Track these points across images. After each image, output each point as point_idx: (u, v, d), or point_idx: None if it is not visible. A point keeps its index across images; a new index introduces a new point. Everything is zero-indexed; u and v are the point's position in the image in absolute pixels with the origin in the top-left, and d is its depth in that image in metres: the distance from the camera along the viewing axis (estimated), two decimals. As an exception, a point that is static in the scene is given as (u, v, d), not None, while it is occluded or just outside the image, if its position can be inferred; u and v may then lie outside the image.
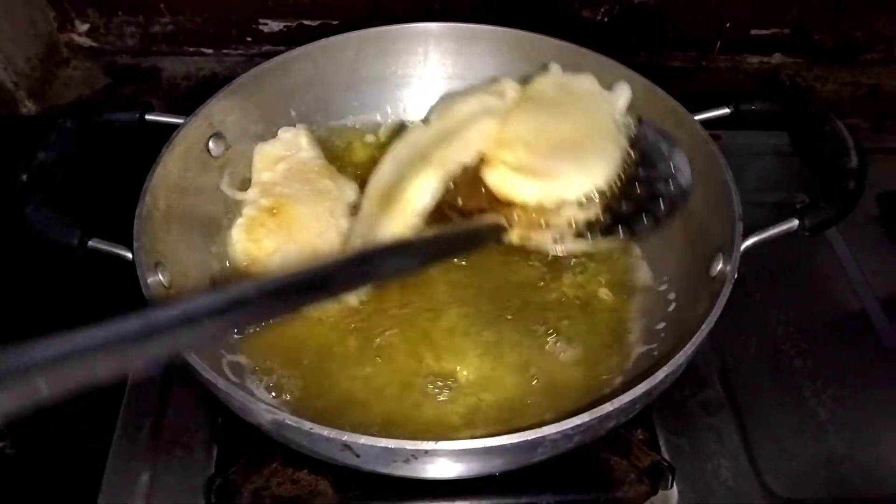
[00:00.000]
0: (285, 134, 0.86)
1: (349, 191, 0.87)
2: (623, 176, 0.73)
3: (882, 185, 1.03)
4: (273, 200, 0.83)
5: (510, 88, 0.79)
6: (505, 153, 0.72)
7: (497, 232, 0.70)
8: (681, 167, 0.74)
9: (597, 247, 0.73)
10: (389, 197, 0.74)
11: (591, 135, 0.74)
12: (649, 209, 0.72)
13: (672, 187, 0.72)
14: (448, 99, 0.83)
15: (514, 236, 0.71)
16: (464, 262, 0.84)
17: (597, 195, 0.71)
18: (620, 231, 0.71)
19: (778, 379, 0.86)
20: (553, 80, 0.82)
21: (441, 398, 0.74)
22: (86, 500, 0.76)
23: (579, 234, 0.71)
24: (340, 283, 0.53)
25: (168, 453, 0.79)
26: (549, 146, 0.73)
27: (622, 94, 0.79)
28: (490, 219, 0.71)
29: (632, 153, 0.75)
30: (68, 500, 0.77)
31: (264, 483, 0.75)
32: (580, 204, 0.71)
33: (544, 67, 0.85)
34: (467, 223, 0.71)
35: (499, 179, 0.72)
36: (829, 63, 1.35)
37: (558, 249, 0.71)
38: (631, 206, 0.72)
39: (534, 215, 0.70)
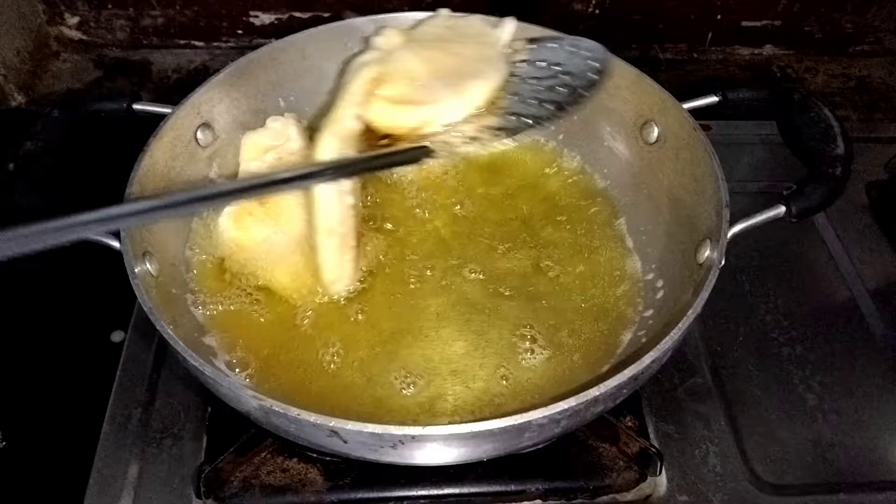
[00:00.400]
0: (274, 123, 0.85)
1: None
2: (510, 92, 0.76)
3: (871, 175, 1.04)
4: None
5: (392, 35, 0.82)
6: (384, 88, 0.76)
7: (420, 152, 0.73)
8: (591, 49, 0.78)
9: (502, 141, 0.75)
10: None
11: (470, 63, 0.78)
12: (553, 99, 0.75)
13: (580, 76, 0.76)
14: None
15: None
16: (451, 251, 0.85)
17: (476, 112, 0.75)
18: (522, 123, 0.74)
19: (766, 366, 0.87)
20: (440, 21, 0.86)
21: (406, 392, 0.74)
22: (75, 490, 0.76)
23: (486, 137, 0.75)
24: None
25: (157, 443, 0.79)
26: (427, 77, 0.76)
27: (506, 27, 0.83)
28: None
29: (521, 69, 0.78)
30: (58, 490, 0.77)
31: (254, 472, 0.75)
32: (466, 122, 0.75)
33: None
34: (391, 148, 0.74)
35: (377, 114, 0.75)
36: (820, 55, 1.35)
37: (469, 149, 0.75)
38: (532, 103, 0.75)
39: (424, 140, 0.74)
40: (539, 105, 0.75)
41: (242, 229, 0.79)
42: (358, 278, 0.81)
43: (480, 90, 0.75)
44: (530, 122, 0.74)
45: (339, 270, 0.79)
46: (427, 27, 0.85)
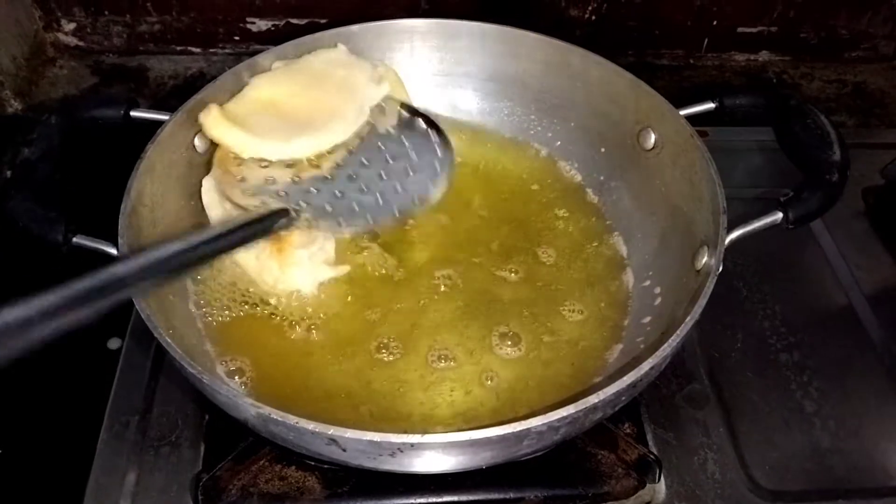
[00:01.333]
0: None
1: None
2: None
3: (867, 180, 1.04)
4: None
5: (268, 60, 0.85)
6: (233, 104, 0.77)
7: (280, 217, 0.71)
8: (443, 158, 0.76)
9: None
10: None
11: (327, 112, 0.78)
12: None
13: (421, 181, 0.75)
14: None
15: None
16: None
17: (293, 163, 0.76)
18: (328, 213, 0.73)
19: (764, 372, 0.87)
20: (331, 56, 0.85)
21: (404, 398, 0.74)
22: (72, 499, 0.75)
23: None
24: None
25: (155, 451, 0.78)
26: (279, 110, 0.77)
27: (381, 88, 0.82)
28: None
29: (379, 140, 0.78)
30: (55, 499, 0.77)
31: (252, 480, 0.75)
32: (284, 166, 0.75)
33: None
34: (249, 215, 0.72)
35: (208, 120, 0.76)
36: (815, 60, 1.36)
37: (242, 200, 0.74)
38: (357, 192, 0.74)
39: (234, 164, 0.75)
40: (362, 195, 0.73)
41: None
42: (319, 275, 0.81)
43: (311, 145, 0.76)
44: (339, 221, 0.72)
45: (267, 273, 0.79)
46: (313, 58, 0.85)
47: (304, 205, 0.73)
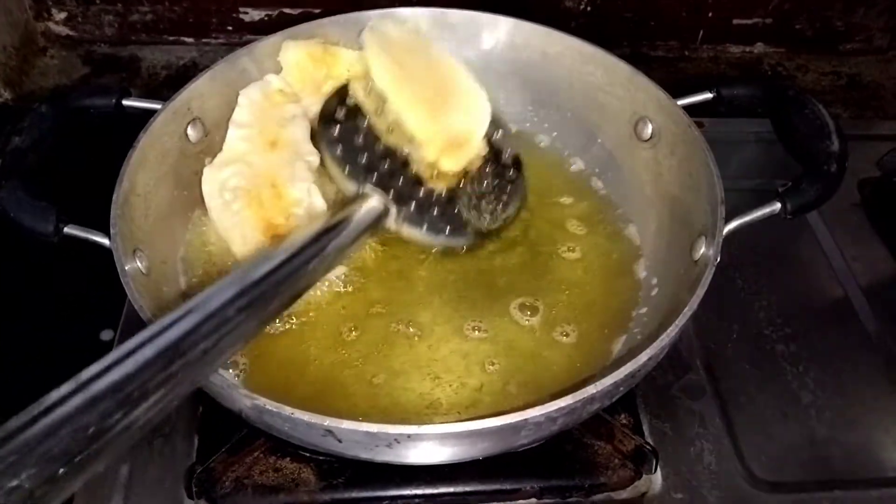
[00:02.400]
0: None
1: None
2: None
3: (863, 172, 1.04)
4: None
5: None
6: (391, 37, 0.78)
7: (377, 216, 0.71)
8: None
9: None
10: None
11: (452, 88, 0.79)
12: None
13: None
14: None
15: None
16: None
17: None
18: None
19: (760, 363, 0.87)
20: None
21: (400, 389, 0.73)
22: (64, 491, 0.74)
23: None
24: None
25: (148, 444, 0.77)
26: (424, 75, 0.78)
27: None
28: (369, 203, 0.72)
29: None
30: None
31: (246, 471, 0.74)
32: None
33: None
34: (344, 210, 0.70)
35: (406, 109, 0.76)
36: (810, 52, 1.36)
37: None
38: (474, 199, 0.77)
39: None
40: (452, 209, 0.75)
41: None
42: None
43: (459, 139, 0.77)
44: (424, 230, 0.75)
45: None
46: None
47: (395, 207, 0.74)
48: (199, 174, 0.83)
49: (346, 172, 0.77)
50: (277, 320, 0.77)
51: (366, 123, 0.80)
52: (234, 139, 0.81)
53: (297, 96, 0.88)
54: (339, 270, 0.80)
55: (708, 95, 0.80)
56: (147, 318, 0.62)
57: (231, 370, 0.74)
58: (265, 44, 0.87)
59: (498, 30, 0.91)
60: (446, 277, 0.82)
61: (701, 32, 1.32)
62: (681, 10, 1.27)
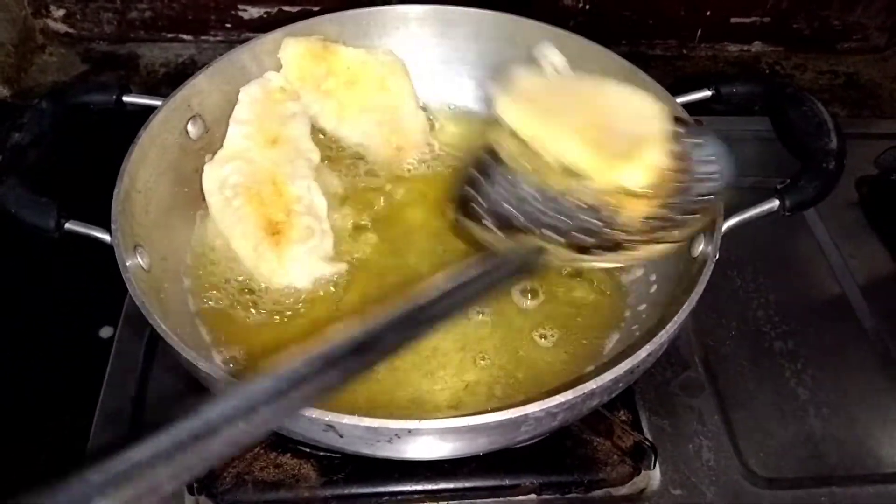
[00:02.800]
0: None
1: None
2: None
3: (860, 171, 1.05)
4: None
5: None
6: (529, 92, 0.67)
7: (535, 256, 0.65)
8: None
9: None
10: None
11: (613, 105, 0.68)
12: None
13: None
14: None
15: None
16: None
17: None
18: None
19: (758, 360, 0.87)
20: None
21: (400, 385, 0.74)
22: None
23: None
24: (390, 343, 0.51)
25: (148, 440, 0.77)
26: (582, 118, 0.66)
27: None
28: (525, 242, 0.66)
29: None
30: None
31: (247, 467, 0.74)
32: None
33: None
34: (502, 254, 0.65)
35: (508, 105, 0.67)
36: (808, 51, 1.36)
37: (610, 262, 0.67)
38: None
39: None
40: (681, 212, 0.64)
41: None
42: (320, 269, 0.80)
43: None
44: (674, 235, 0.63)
45: (264, 265, 0.78)
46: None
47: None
48: (199, 171, 0.83)
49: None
50: (276, 315, 0.77)
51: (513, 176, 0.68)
52: (235, 136, 0.82)
53: (297, 94, 0.88)
54: (339, 267, 0.81)
55: (707, 93, 0.80)
56: (149, 313, 0.62)
57: (232, 365, 0.74)
58: (265, 40, 0.87)
59: (499, 26, 0.91)
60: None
61: (699, 31, 1.32)
62: (679, 9, 1.27)
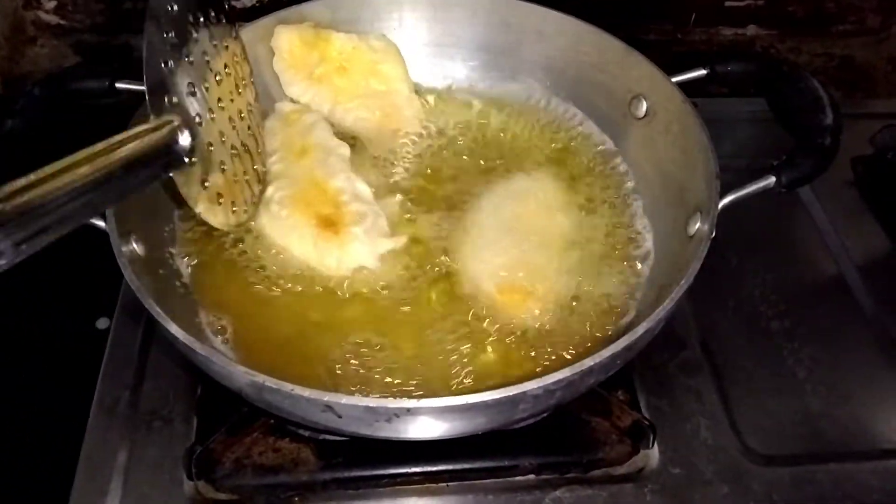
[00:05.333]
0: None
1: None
2: None
3: (856, 150, 1.05)
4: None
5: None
6: None
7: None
8: None
9: None
10: None
11: None
12: None
13: None
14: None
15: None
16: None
17: None
18: None
19: (756, 340, 0.87)
20: None
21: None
22: (64, 476, 0.74)
23: None
24: None
25: (146, 426, 0.78)
26: None
27: None
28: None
29: None
30: (46, 477, 0.76)
31: (245, 452, 0.75)
32: None
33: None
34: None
35: None
36: (802, 34, 1.36)
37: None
38: None
39: None
40: None
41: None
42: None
43: None
44: None
45: (328, 257, 0.78)
46: None
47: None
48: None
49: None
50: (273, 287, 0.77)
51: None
52: (269, 165, 0.82)
53: (308, 106, 0.89)
54: (400, 240, 0.80)
55: (702, 72, 0.80)
56: (145, 298, 0.62)
57: (218, 336, 0.74)
58: (257, 26, 0.87)
59: (494, 9, 0.90)
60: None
61: (694, 15, 1.31)
62: (674, -7, 1.27)
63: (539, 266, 0.78)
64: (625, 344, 0.60)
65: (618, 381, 0.80)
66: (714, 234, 0.68)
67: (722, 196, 0.70)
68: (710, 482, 0.76)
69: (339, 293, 0.77)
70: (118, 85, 0.77)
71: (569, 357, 0.72)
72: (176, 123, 0.65)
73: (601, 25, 0.87)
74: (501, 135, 0.92)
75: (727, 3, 1.30)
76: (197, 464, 0.72)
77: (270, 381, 0.56)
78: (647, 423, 0.76)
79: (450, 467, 0.75)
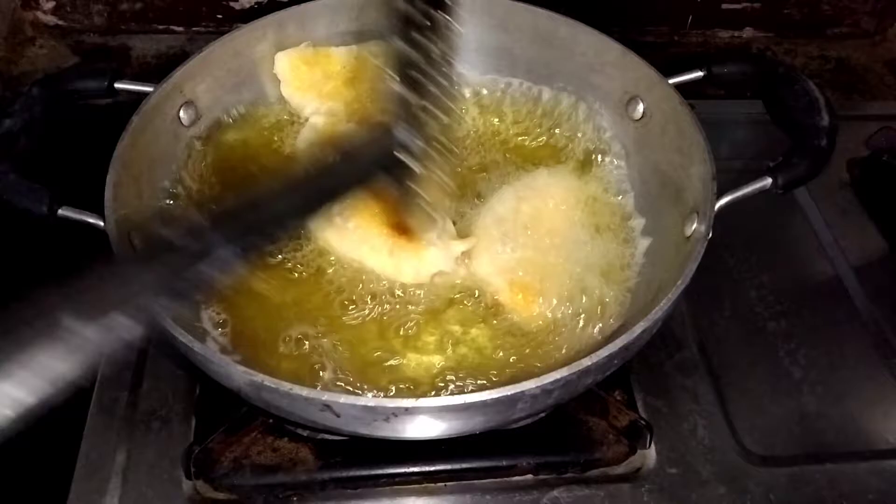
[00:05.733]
0: None
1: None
2: None
3: (852, 152, 1.05)
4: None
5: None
6: None
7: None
8: None
9: None
10: None
11: None
12: None
13: None
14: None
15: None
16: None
17: None
18: None
19: (752, 340, 0.88)
20: None
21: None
22: (62, 476, 0.74)
23: None
24: None
25: (145, 426, 0.78)
26: None
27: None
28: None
29: None
30: (45, 477, 0.76)
31: (244, 452, 0.75)
32: None
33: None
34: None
35: None
36: (798, 37, 1.36)
37: None
38: None
39: None
40: None
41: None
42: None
43: None
44: None
45: (407, 267, 0.78)
46: None
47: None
48: (192, 158, 0.83)
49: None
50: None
51: None
52: None
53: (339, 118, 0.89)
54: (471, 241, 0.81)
55: (699, 73, 0.80)
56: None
57: (218, 329, 0.73)
58: (256, 26, 0.87)
59: (490, 10, 0.91)
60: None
61: (690, 17, 1.32)
62: (670, -5, 1.28)
63: (547, 265, 0.79)
64: (622, 344, 0.60)
65: (615, 381, 0.80)
66: (711, 235, 0.68)
67: (718, 197, 0.70)
68: (707, 482, 0.76)
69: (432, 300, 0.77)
70: (117, 85, 0.77)
71: (565, 357, 0.73)
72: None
73: (597, 27, 0.87)
74: (493, 136, 0.92)
75: (724, 6, 1.30)
76: (195, 463, 0.72)
77: (269, 381, 0.57)
78: (644, 423, 0.76)
79: (448, 467, 0.75)
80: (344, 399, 0.56)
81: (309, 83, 0.89)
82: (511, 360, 0.73)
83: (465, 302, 0.77)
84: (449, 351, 0.73)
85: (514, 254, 0.79)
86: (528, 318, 0.75)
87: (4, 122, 0.71)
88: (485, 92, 0.95)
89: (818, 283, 0.95)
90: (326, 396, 0.56)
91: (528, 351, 0.74)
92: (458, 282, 0.78)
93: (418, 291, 0.77)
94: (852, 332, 0.90)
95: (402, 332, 0.74)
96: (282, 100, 0.91)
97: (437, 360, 0.73)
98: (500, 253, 0.79)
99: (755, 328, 0.89)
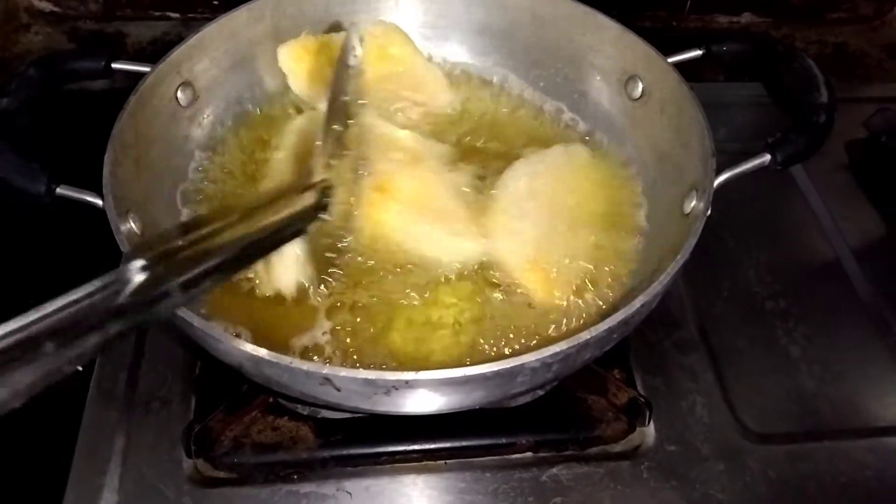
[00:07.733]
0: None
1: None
2: None
3: (850, 134, 1.05)
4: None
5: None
6: None
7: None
8: None
9: None
10: None
11: None
12: None
13: None
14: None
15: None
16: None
17: None
18: None
19: (750, 319, 0.88)
20: None
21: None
22: (62, 458, 0.74)
23: None
24: None
25: (145, 407, 0.78)
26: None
27: None
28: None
29: None
30: (44, 459, 0.76)
31: (244, 430, 0.75)
32: None
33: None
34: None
35: None
36: (797, 22, 1.37)
37: None
38: None
39: None
40: None
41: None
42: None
43: None
44: None
45: (464, 241, 0.79)
46: None
47: None
48: (189, 139, 0.83)
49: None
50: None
51: None
52: None
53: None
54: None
55: (697, 52, 0.80)
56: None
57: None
58: (253, 6, 0.86)
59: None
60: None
61: (688, 2, 1.32)
62: (669, -21, 1.28)
63: (560, 244, 0.79)
64: (621, 318, 0.60)
65: (614, 359, 0.80)
66: (710, 212, 0.68)
67: (717, 174, 0.70)
68: (706, 459, 0.76)
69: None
70: (114, 65, 0.77)
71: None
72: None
73: (597, 10, 0.87)
74: (490, 116, 0.92)
75: (722, -10, 1.30)
76: (196, 441, 0.72)
77: (269, 355, 0.56)
78: (643, 400, 0.77)
79: (448, 445, 0.75)
80: (344, 373, 0.56)
81: (316, 73, 0.88)
82: (522, 338, 0.73)
83: (478, 281, 0.76)
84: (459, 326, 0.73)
85: (529, 231, 0.78)
86: (544, 297, 0.75)
87: (1, 100, 0.71)
88: (484, 74, 0.95)
89: (816, 263, 0.95)
90: (326, 370, 0.56)
91: (536, 327, 0.74)
92: (474, 260, 0.78)
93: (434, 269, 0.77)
94: (850, 312, 0.90)
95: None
96: (283, 84, 0.90)
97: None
98: (515, 232, 0.78)
99: (754, 308, 0.89)
